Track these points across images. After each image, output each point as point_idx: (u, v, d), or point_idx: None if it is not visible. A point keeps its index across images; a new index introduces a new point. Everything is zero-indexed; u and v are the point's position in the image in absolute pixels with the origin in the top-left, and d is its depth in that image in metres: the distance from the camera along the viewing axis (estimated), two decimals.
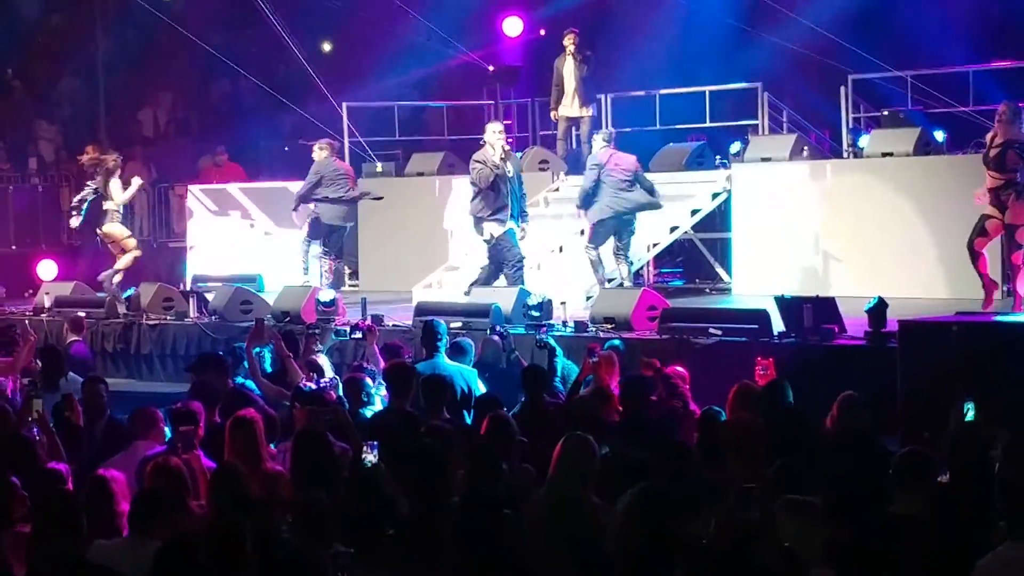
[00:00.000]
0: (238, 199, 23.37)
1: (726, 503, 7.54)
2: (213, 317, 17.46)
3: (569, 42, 20.07)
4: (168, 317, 17.91)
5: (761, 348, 12.49)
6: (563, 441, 8.40)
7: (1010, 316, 12.43)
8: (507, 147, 16.90)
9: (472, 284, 16.97)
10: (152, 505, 7.93)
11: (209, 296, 18.12)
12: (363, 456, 8.99)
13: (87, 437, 10.93)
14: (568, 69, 20.00)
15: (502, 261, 16.76)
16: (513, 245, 16.70)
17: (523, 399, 11.22)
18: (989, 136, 14.75)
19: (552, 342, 12.89)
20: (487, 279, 16.89)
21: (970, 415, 9.44)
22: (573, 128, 20.54)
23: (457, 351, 12.78)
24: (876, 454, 8.59)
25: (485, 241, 16.87)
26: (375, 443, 9.02)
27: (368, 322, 14.65)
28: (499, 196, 16.60)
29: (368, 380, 11.60)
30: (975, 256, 14.70)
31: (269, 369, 13.01)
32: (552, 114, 20.54)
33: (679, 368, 11.46)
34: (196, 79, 29.89)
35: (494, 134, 16.91)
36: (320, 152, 19.27)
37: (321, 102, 23.09)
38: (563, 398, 11.75)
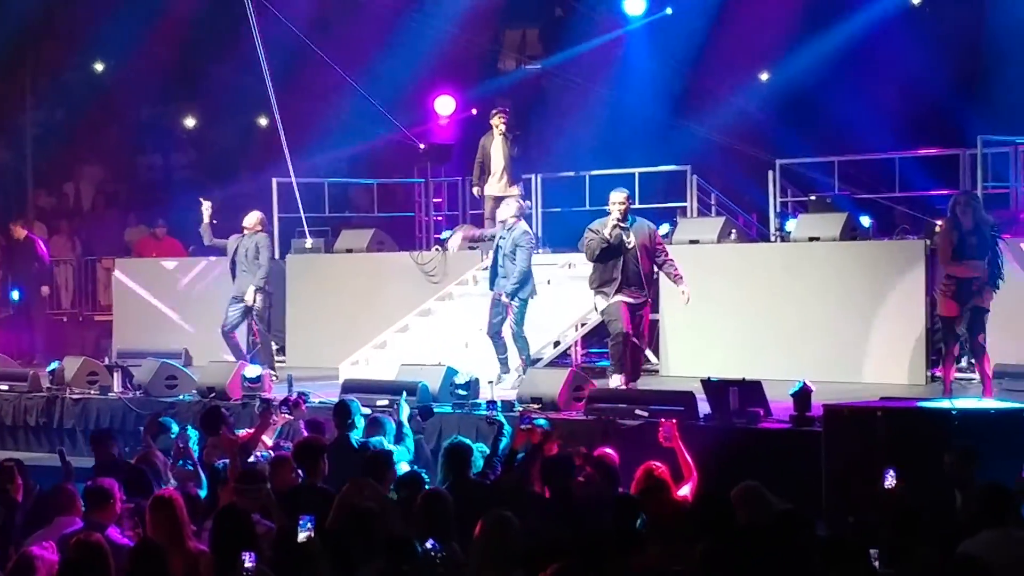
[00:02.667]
0: (166, 273, 23.20)
1: None
2: (138, 392, 17.31)
3: (499, 121, 19.96)
4: (92, 391, 17.74)
5: (686, 430, 12.47)
6: (482, 520, 8.36)
7: (933, 402, 12.47)
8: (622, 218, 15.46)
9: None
10: None
11: (134, 370, 17.97)
12: (298, 531, 8.87)
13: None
14: (496, 148, 19.90)
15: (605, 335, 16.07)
16: (614, 320, 15.62)
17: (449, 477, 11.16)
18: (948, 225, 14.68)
19: (502, 419, 12.86)
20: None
21: (890, 482, 9.54)
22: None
23: (375, 427, 12.71)
24: (808, 538, 8.56)
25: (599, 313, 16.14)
26: (310, 517, 8.87)
27: (296, 396, 14.57)
28: (606, 268, 15.54)
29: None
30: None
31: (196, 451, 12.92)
32: (475, 191, 20.41)
33: (608, 450, 11.44)
34: (125, 152, 29.81)
35: (614, 204, 15.55)
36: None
37: (252, 177, 23.03)
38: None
